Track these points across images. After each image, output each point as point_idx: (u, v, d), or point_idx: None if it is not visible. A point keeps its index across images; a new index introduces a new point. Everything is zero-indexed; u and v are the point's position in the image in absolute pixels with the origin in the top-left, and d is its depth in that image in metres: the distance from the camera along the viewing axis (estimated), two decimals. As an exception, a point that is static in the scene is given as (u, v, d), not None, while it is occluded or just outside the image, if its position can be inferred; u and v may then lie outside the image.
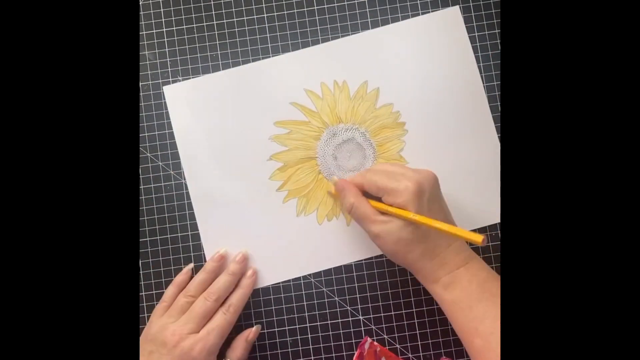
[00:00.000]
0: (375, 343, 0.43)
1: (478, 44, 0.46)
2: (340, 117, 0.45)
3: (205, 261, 0.44)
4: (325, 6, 0.46)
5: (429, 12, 0.46)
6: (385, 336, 0.44)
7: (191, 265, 0.44)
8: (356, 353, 0.42)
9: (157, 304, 0.43)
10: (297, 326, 0.44)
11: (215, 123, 0.45)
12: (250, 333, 0.43)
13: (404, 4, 0.46)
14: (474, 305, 0.36)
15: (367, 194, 0.40)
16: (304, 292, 0.44)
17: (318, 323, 0.44)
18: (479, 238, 0.32)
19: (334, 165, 0.45)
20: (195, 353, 0.38)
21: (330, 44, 0.46)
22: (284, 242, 0.45)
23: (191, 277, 0.43)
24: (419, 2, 0.46)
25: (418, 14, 0.46)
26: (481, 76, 0.45)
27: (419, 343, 0.44)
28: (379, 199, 0.39)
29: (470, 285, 0.36)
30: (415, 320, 0.44)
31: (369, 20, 0.46)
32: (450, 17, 0.46)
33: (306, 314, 0.44)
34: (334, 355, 0.44)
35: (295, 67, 0.46)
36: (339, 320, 0.44)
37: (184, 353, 0.38)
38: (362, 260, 0.45)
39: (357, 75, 0.46)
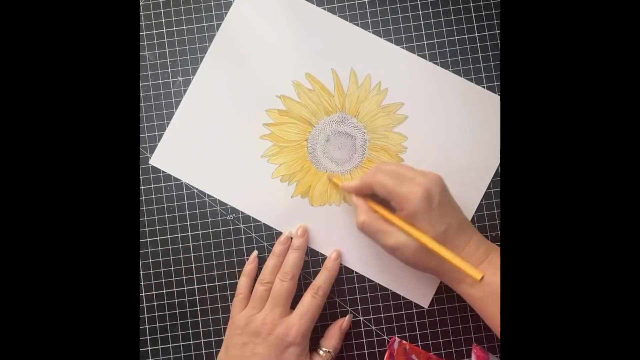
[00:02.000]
0: (404, 342, 0.43)
1: (478, 44, 0.46)
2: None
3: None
4: (326, 7, 0.46)
5: (429, 12, 0.46)
6: (385, 337, 0.44)
7: (255, 252, 0.44)
8: (386, 354, 0.42)
9: (157, 304, 0.43)
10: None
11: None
12: (344, 322, 0.43)
13: (404, 5, 0.46)
14: None
15: (376, 197, 0.40)
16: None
17: (318, 324, 0.44)
18: (477, 275, 0.35)
19: (322, 154, 0.45)
20: (291, 338, 0.38)
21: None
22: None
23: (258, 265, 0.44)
24: (419, 2, 0.46)
25: (419, 15, 0.46)
26: (482, 76, 0.45)
27: (419, 344, 0.44)
28: (388, 202, 0.38)
29: (495, 279, 0.36)
30: (416, 322, 0.44)
31: (369, 21, 0.46)
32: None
33: (306, 314, 0.44)
34: (334, 355, 0.44)
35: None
36: (339, 321, 0.44)
37: (279, 339, 0.38)
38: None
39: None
